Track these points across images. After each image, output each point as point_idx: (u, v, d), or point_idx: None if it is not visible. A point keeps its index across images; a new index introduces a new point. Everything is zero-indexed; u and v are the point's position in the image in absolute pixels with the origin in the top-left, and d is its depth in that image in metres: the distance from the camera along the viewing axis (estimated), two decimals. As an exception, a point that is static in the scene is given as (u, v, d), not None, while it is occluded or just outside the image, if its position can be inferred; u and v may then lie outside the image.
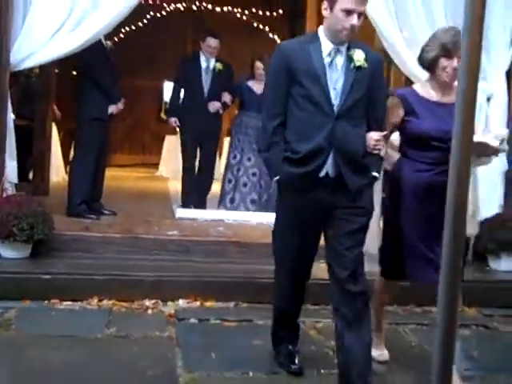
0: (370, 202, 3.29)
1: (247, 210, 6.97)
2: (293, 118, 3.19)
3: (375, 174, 3.22)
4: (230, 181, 7.13)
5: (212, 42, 7.10)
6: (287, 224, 3.35)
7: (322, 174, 3.13)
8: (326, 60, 3.14)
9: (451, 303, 1.39)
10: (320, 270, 5.12)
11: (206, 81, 7.14)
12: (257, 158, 6.69)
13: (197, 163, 7.30)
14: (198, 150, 7.24)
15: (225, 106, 7.24)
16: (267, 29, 13.80)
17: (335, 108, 3.10)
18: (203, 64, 7.18)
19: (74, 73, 6.96)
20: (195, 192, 7.17)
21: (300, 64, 3.13)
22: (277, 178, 3.21)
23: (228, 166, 7.22)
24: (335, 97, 3.11)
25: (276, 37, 12.63)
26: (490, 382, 3.55)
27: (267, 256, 5.22)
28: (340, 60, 3.15)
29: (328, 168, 3.13)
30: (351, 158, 3.14)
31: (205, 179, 7.29)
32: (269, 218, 6.40)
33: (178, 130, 13.48)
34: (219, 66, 7.15)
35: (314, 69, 3.11)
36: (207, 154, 7.34)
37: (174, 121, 7.29)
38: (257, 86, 7.11)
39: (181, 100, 7.34)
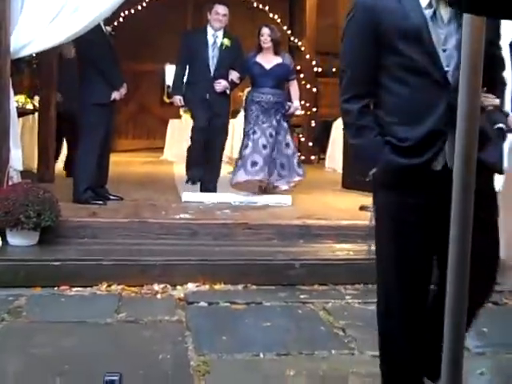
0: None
1: (270, 174, 6.61)
2: (390, 96, 2.41)
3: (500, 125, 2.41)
4: (246, 146, 6.61)
5: (220, 8, 6.71)
6: (389, 234, 2.47)
7: (439, 166, 2.30)
8: (427, 12, 2.30)
9: (461, 280, 1.38)
10: (327, 250, 5.16)
11: (213, 58, 6.71)
12: (273, 121, 6.62)
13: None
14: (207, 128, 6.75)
15: (232, 84, 6.83)
16: (267, 8, 13.70)
17: (449, 76, 2.28)
18: (210, 39, 6.74)
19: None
20: (205, 175, 6.87)
21: (392, 22, 2.31)
22: (373, 170, 2.40)
23: (245, 137, 6.74)
24: (446, 61, 2.28)
25: (276, 16, 12.53)
26: (500, 359, 3.55)
27: (274, 237, 5.29)
28: (445, 10, 2.30)
29: (446, 157, 2.28)
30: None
31: (213, 166, 6.93)
32: (275, 200, 6.44)
33: (181, 112, 13.49)
34: (227, 42, 6.71)
35: (414, 26, 2.28)
36: (216, 135, 6.84)
37: (178, 99, 6.88)
38: (265, 60, 6.73)
39: (185, 78, 6.89)
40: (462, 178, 1.34)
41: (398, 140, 2.34)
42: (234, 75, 6.72)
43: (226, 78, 6.69)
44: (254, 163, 6.50)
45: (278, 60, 6.77)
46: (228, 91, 6.82)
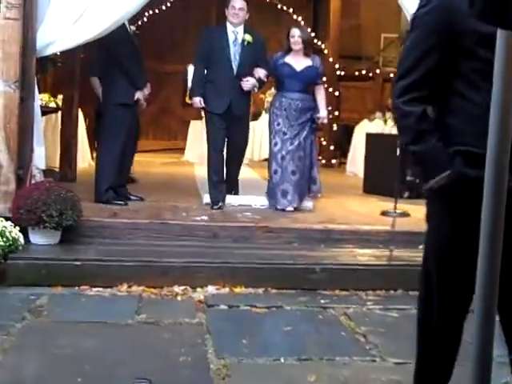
0: None
1: (301, 199, 6.29)
2: (464, 103, 2.21)
3: None
4: (275, 172, 6.27)
5: (236, 2, 6.25)
6: (459, 249, 2.26)
7: None
8: None
9: (490, 290, 1.35)
10: (348, 255, 5.13)
11: (235, 55, 6.23)
12: (300, 138, 6.23)
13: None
14: (226, 137, 6.37)
15: (260, 82, 6.35)
16: (291, 10, 13.69)
17: None
18: (230, 36, 6.27)
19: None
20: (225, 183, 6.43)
21: (470, 25, 2.04)
22: (437, 179, 2.21)
23: (271, 156, 6.40)
24: None
25: (300, 18, 12.51)
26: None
27: (295, 241, 5.26)
28: None
29: None
30: None
31: (232, 171, 6.58)
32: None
33: (202, 113, 13.44)
34: (248, 38, 6.24)
35: (494, 30, 1.82)
36: (237, 142, 6.48)
37: (198, 101, 6.27)
38: (296, 62, 6.35)
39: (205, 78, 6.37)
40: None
41: (472, 151, 2.12)
42: (261, 72, 6.28)
43: (249, 76, 6.24)
44: (285, 193, 6.21)
45: (308, 62, 6.39)
46: (256, 89, 6.52)
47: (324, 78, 6.98)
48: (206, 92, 6.27)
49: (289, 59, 6.37)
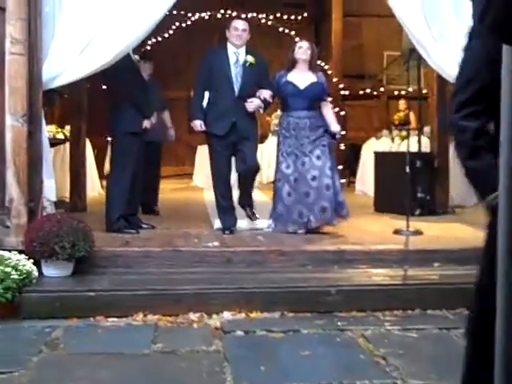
0: None
1: (318, 220, 6.03)
2: None
3: None
4: (289, 194, 6.09)
5: (239, 23, 6.15)
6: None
7: None
8: None
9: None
10: (362, 275, 5.09)
11: (236, 76, 6.07)
12: (312, 159, 6.02)
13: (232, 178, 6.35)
14: (232, 159, 6.25)
15: (265, 103, 6.17)
16: (293, 33, 13.77)
17: None
18: (232, 57, 6.12)
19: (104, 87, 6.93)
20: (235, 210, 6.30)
21: None
22: (492, 197, 2.07)
23: (282, 178, 6.15)
24: None
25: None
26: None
27: (309, 263, 5.23)
28: None
29: None
30: None
31: (246, 189, 6.38)
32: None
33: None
34: (250, 59, 6.08)
35: None
36: (247, 161, 6.13)
37: (199, 124, 6.10)
38: (299, 78, 6.17)
39: (205, 101, 6.23)
40: None
41: None
42: (266, 93, 6.07)
43: (252, 97, 6.06)
44: (301, 214, 6.05)
45: (313, 78, 6.21)
46: (261, 111, 6.33)
47: (329, 98, 6.84)
48: (208, 115, 6.12)
49: (292, 76, 6.20)
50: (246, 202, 6.41)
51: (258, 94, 6.07)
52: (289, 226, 6.09)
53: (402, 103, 13.25)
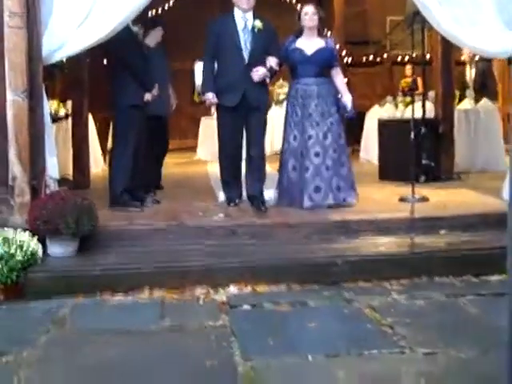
0: None
1: (311, 199, 5.78)
2: None
3: None
4: (294, 168, 5.92)
5: None
6: None
7: None
8: None
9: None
10: (369, 245, 5.07)
11: (245, 43, 5.84)
12: (318, 133, 5.82)
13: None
14: (243, 132, 6.02)
15: (272, 72, 5.91)
16: (294, 1, 13.60)
17: None
18: (239, 23, 5.87)
19: (105, 61, 6.83)
20: (248, 180, 6.09)
21: None
22: None
23: (288, 150, 5.97)
24: None
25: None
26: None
27: (315, 235, 5.20)
28: None
29: None
30: None
31: (257, 167, 6.04)
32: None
33: (212, 109, 13.39)
34: (259, 24, 5.84)
35: None
36: (255, 136, 5.97)
37: (211, 96, 5.88)
38: (307, 44, 5.94)
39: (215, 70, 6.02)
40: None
41: None
42: (272, 61, 5.82)
43: (262, 65, 5.81)
44: (317, 188, 5.81)
45: (321, 44, 5.98)
46: (268, 80, 6.04)
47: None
48: (218, 86, 5.91)
49: (300, 42, 5.96)
50: (256, 189, 6.02)
51: (266, 61, 5.84)
52: (296, 201, 5.88)
53: (408, 68, 13.12)
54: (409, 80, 12.89)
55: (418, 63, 7.48)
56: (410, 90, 12.28)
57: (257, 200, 5.91)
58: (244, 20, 5.87)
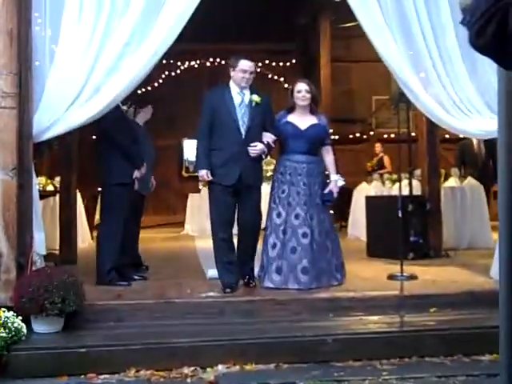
0: None
1: (298, 281, 5.54)
2: None
3: None
4: (274, 246, 5.68)
5: (247, 65, 5.67)
6: None
7: None
8: None
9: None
10: (358, 323, 5.02)
11: (243, 118, 5.65)
12: (306, 213, 5.65)
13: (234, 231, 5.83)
14: (236, 211, 5.73)
15: (269, 148, 5.77)
16: (282, 79, 13.90)
17: None
18: (236, 98, 5.70)
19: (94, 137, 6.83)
20: (241, 257, 5.78)
21: None
22: None
23: (270, 227, 5.76)
24: None
25: (291, 86, 12.68)
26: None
27: (303, 312, 5.15)
28: None
29: None
30: None
31: (250, 245, 5.79)
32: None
33: (200, 185, 13.43)
34: (256, 98, 5.68)
35: None
36: (250, 214, 5.73)
37: (205, 173, 5.60)
38: (300, 120, 5.83)
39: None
40: None
41: None
42: (269, 137, 5.70)
43: (258, 140, 5.67)
44: (279, 270, 5.62)
45: (314, 120, 5.87)
46: (264, 156, 5.82)
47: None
48: (213, 162, 5.64)
49: (292, 118, 5.84)
50: (247, 265, 5.81)
51: (262, 137, 5.72)
52: (268, 279, 5.66)
53: (377, 146, 13.31)
54: (374, 160, 13.08)
55: (404, 141, 7.59)
56: (377, 169, 12.45)
57: (246, 276, 5.77)
58: (241, 95, 5.71)
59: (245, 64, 5.66)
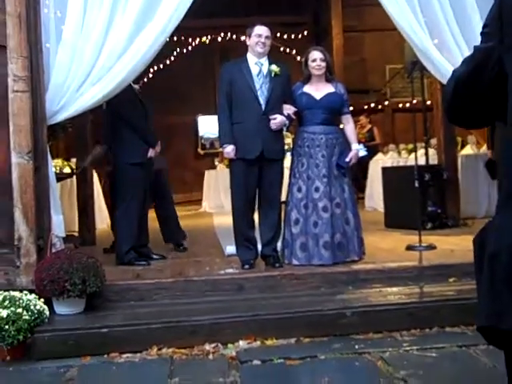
0: None
1: (321, 257, 5.47)
2: None
3: None
4: (297, 221, 5.59)
5: (262, 29, 5.55)
6: None
7: None
8: None
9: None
10: (378, 295, 5.01)
11: (262, 90, 5.50)
12: (326, 186, 5.53)
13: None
14: (257, 184, 5.60)
15: (289, 120, 5.62)
16: (294, 52, 13.80)
17: None
18: (254, 69, 5.54)
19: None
20: (262, 235, 5.66)
21: None
22: None
23: (291, 202, 5.65)
24: None
25: (303, 59, 12.61)
26: None
27: (322, 286, 5.16)
28: None
29: None
30: None
31: (272, 224, 5.64)
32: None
33: (216, 162, 13.46)
34: (275, 68, 5.52)
35: None
36: (271, 189, 5.60)
37: (231, 149, 5.47)
38: (315, 89, 5.67)
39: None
40: None
41: None
42: (289, 109, 5.56)
43: (279, 112, 5.52)
44: (304, 247, 5.55)
45: (330, 89, 5.70)
46: (285, 128, 5.71)
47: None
48: (235, 136, 5.50)
49: (308, 88, 5.67)
50: (270, 245, 5.66)
51: (283, 109, 5.57)
52: (294, 256, 5.61)
53: (362, 118, 13.09)
54: (364, 131, 12.92)
55: (419, 110, 7.53)
56: (367, 142, 12.34)
57: (271, 258, 5.63)
58: (259, 65, 5.55)
59: (259, 28, 5.55)
